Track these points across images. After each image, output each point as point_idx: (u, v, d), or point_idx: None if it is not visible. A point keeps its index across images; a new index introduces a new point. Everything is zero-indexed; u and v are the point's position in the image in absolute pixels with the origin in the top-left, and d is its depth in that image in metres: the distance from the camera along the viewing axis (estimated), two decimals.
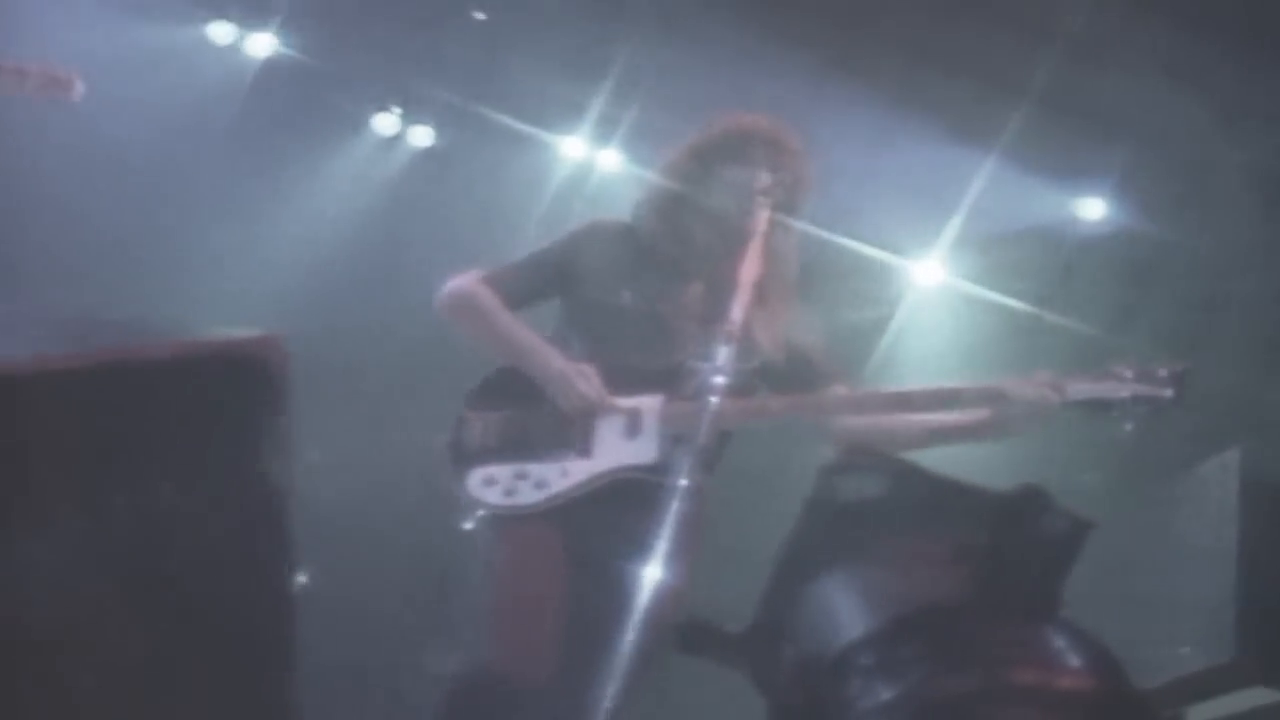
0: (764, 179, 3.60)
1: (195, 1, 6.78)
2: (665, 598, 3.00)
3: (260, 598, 1.54)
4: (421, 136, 7.27)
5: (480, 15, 6.47)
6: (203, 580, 1.50)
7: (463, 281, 3.76)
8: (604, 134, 6.85)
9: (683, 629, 2.91)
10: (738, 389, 3.34)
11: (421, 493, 4.19)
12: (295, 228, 6.87)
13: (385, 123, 7.21)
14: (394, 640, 6.11)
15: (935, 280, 6.94)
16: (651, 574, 2.93)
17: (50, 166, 5.89)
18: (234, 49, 6.89)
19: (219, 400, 1.53)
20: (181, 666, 1.49)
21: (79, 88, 3.46)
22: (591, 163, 7.02)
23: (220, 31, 6.87)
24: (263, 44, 6.88)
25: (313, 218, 6.96)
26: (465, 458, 3.61)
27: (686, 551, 3.10)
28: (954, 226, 6.46)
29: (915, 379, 5.47)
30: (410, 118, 7.21)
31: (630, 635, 2.88)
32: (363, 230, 7.05)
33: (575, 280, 3.77)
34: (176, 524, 1.49)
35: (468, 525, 3.54)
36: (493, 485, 3.55)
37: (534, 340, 3.69)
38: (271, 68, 6.88)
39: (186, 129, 6.59)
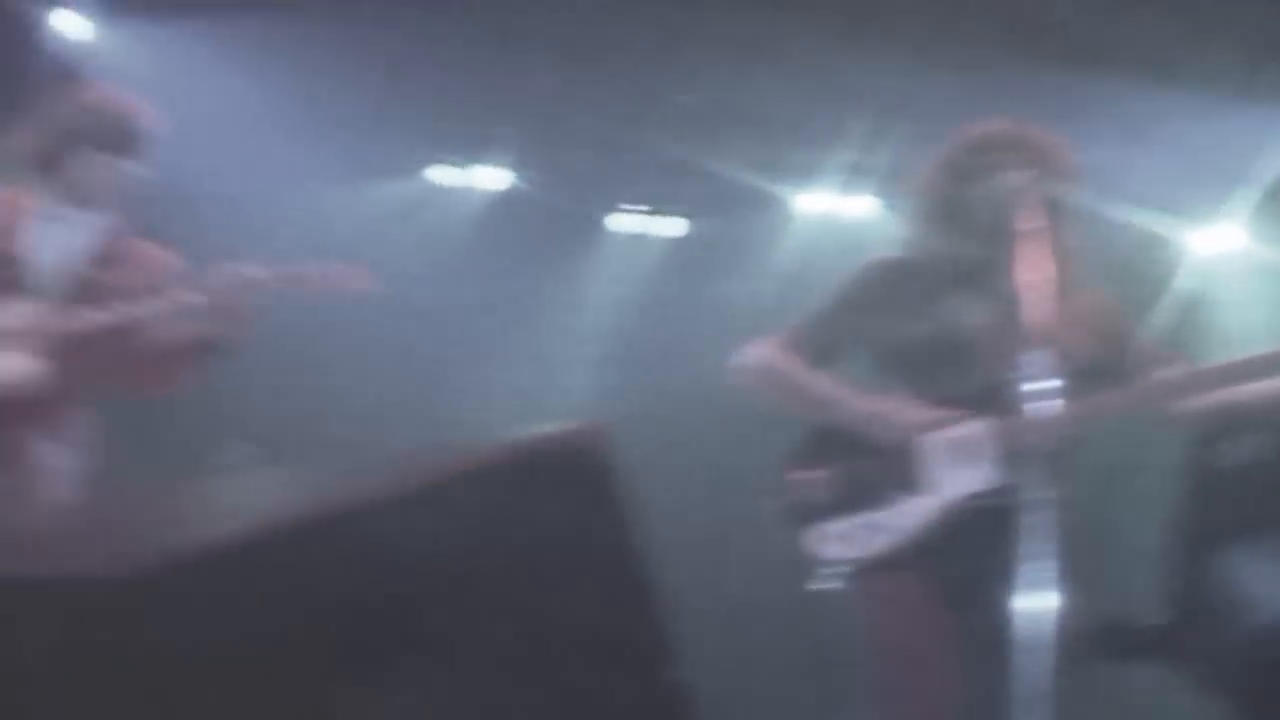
0: (1024, 178, 3.46)
1: (416, 150, 6.98)
2: (1059, 615, 2.84)
3: (652, 699, 1.39)
4: (671, 227, 7.36)
5: (687, 99, 6.40)
6: (597, 687, 1.36)
7: (756, 350, 3.64)
8: (847, 183, 6.77)
9: (1098, 635, 2.68)
10: (1061, 392, 3.12)
11: (761, 564, 4.09)
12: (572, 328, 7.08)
13: (628, 221, 7.33)
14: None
15: (1233, 246, 6.63)
16: (1033, 596, 2.78)
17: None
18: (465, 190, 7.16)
19: (560, 498, 1.40)
20: None
21: (367, 280, 3.47)
22: (836, 213, 6.96)
23: (445, 175, 7.15)
24: (492, 178, 7.11)
25: (583, 316, 7.14)
26: (804, 519, 3.48)
27: (1062, 563, 2.89)
28: (1242, 191, 6.11)
29: (1229, 352, 5.13)
30: (655, 211, 7.31)
31: (1034, 661, 2.69)
32: (635, 319, 7.15)
33: (870, 323, 3.64)
34: (556, 631, 1.35)
35: (821, 586, 3.40)
36: (841, 541, 3.41)
37: (841, 390, 3.56)
38: (505, 198, 7.13)
39: (442, 268, 6.81)
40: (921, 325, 3.57)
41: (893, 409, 3.45)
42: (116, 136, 3.42)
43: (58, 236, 3.38)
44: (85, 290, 3.36)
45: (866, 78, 5.86)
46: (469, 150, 7.00)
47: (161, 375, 3.48)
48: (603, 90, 6.42)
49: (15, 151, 3.44)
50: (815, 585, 3.41)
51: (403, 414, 6.29)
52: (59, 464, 3.38)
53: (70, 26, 6.51)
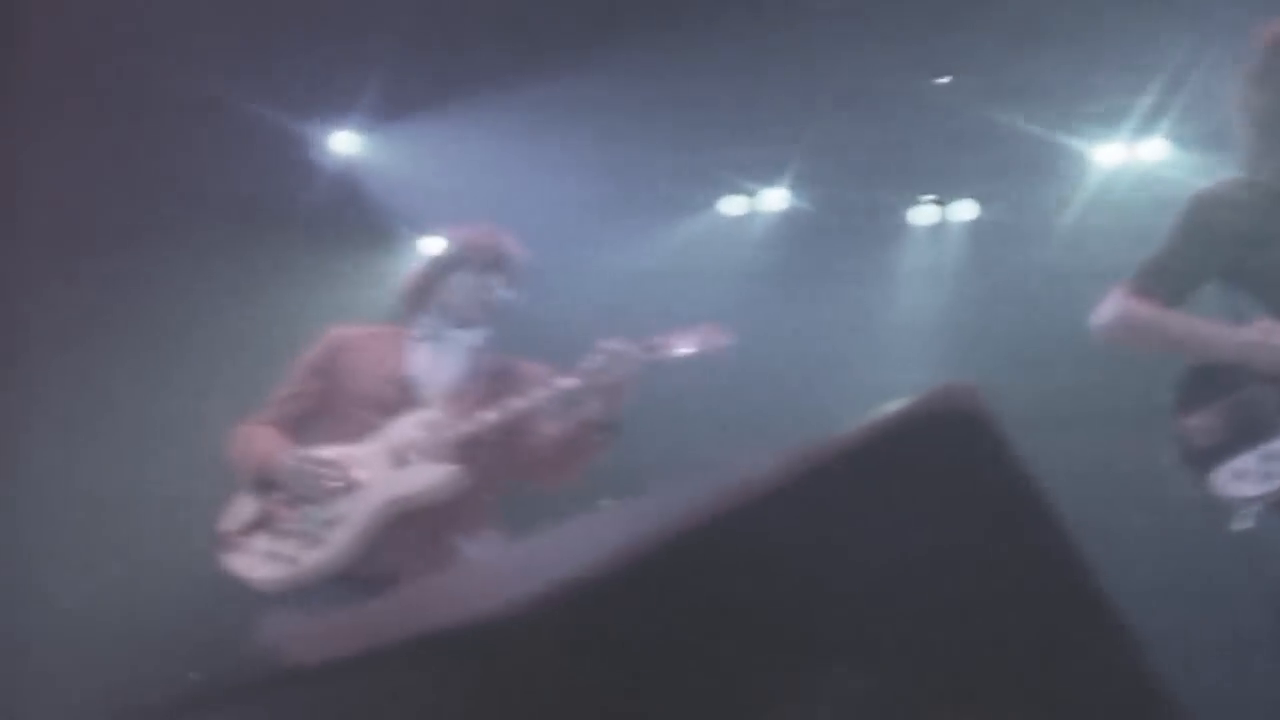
0: None
1: (704, 181, 7.01)
2: None
3: (1108, 676, 1.17)
4: (964, 211, 7.17)
5: (943, 80, 6.18)
6: (1043, 682, 1.16)
7: (1112, 303, 3.48)
8: (1137, 129, 6.43)
9: None
10: None
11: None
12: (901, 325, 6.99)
13: (925, 214, 7.20)
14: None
15: None
16: None
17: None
18: (748, 218, 7.22)
19: (943, 472, 1.21)
20: None
21: (725, 337, 3.68)
22: (1129, 165, 6.63)
23: (734, 205, 7.23)
24: (776, 199, 7.13)
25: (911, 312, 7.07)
26: (1202, 463, 3.26)
27: None
28: None
29: None
30: (945, 199, 7.15)
31: None
32: (964, 306, 7.03)
33: (1217, 254, 3.42)
34: (978, 622, 1.16)
35: (1238, 526, 3.12)
36: (1245, 477, 3.18)
37: (1212, 326, 3.36)
38: (797, 216, 7.13)
39: (758, 291, 6.85)
40: (1273, 244, 3.36)
41: (1271, 332, 3.24)
42: (485, 260, 3.72)
43: (444, 355, 3.67)
44: (474, 399, 3.61)
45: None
46: (757, 176, 7.02)
47: (559, 466, 3.67)
48: (868, 92, 6.29)
49: (402, 289, 3.82)
50: (1232, 526, 3.22)
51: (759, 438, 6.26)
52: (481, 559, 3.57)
53: (342, 143, 6.75)
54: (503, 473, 3.67)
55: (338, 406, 3.66)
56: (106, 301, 5.92)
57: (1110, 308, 3.48)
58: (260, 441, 3.62)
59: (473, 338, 3.73)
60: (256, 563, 3.50)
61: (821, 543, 1.11)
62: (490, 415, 3.52)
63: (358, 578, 3.43)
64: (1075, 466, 5.79)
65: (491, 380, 3.66)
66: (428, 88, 6.18)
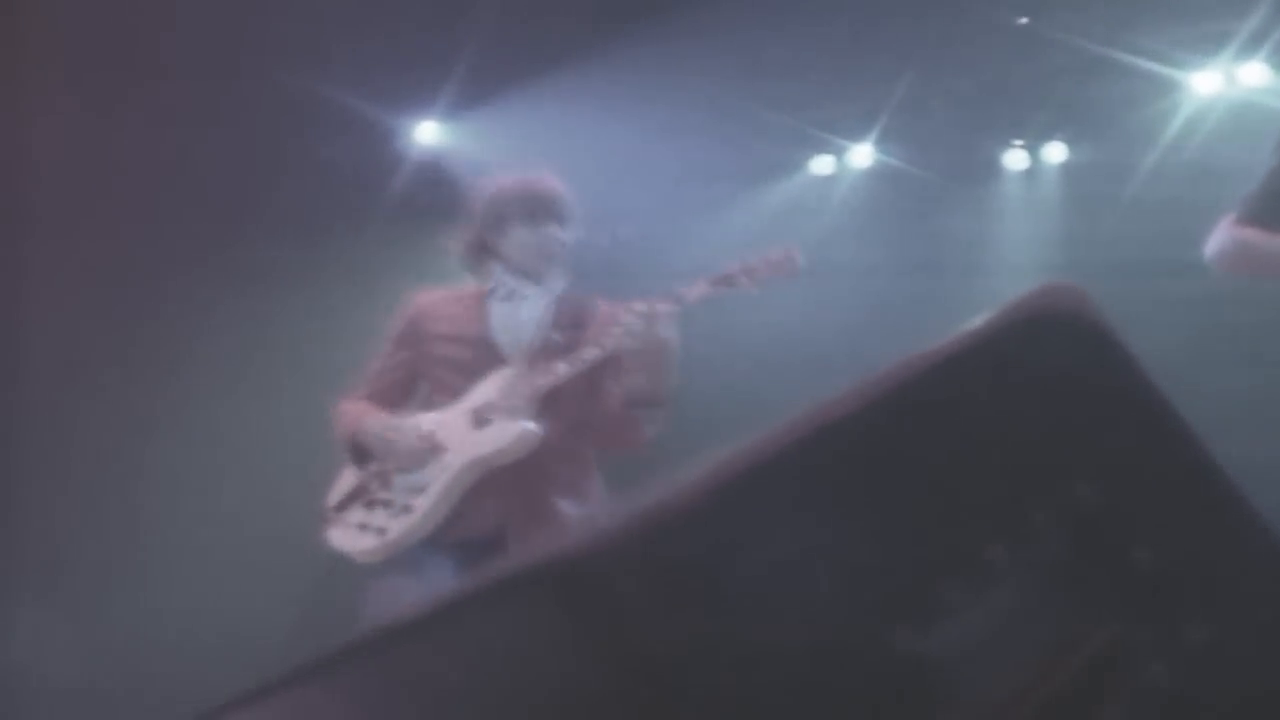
0: None
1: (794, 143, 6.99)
2: None
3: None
4: (1056, 153, 7.12)
5: (1023, 20, 6.06)
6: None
7: (1219, 234, 3.45)
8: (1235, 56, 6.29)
9: None
10: None
11: None
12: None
13: (1016, 159, 7.15)
14: None
15: None
16: None
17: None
18: (835, 177, 7.28)
19: (1054, 377, 1.18)
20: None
21: (798, 260, 3.53)
22: (1225, 94, 6.46)
23: (822, 164, 7.30)
24: (863, 155, 7.16)
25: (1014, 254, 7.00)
26: None
27: None
28: None
29: None
30: (1034, 144, 7.10)
31: None
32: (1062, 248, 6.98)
33: None
34: (1116, 533, 1.13)
35: None
36: None
37: None
38: (884, 171, 7.15)
39: (855, 247, 6.90)
40: None
41: None
42: (538, 208, 3.62)
43: (521, 310, 3.59)
44: (551, 353, 3.52)
45: None
46: (844, 133, 7.05)
47: (615, 435, 3.57)
48: (951, 39, 6.21)
49: (456, 251, 3.75)
50: None
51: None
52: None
53: (426, 134, 6.79)
54: (583, 424, 3.58)
55: (428, 372, 3.67)
56: (205, 290, 6.01)
57: (1219, 237, 3.44)
58: (353, 416, 3.64)
59: (548, 289, 3.65)
60: (351, 535, 3.54)
61: (918, 462, 1.09)
62: (564, 366, 3.44)
63: (449, 541, 3.47)
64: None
65: (570, 330, 3.58)
66: (508, 70, 6.20)
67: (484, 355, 3.57)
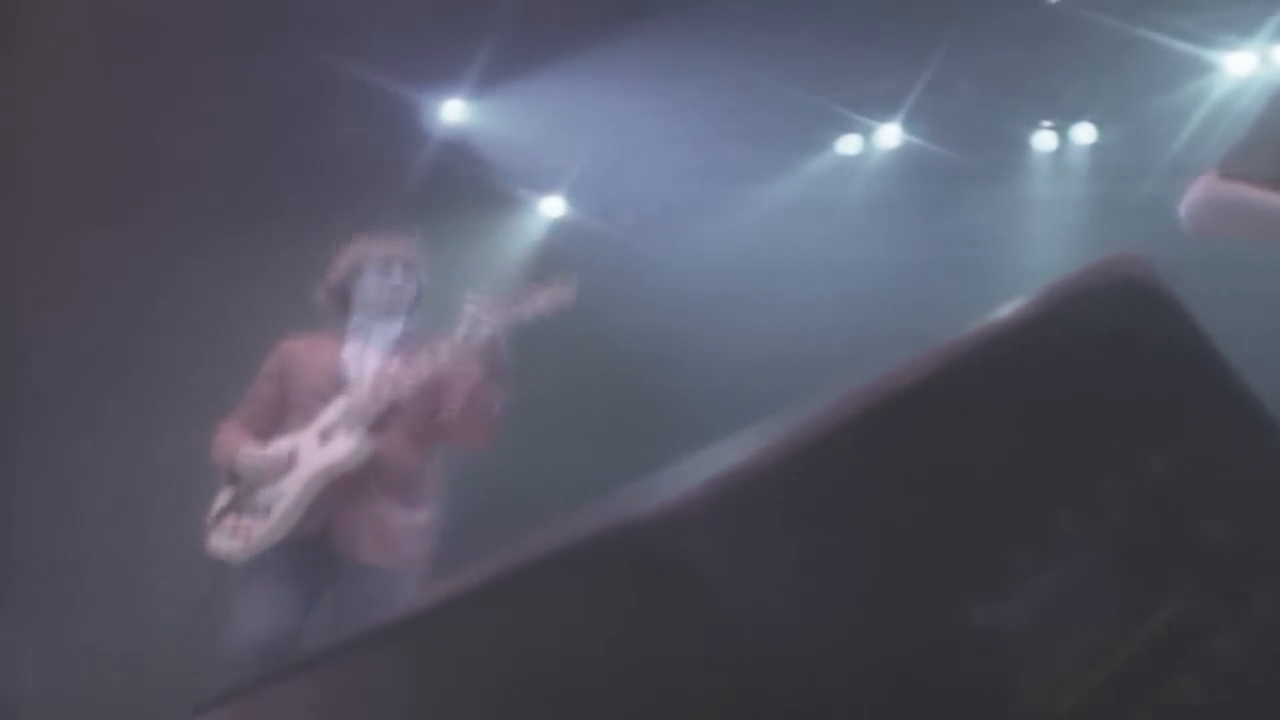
0: None
1: (821, 121, 6.99)
2: None
3: None
4: (1085, 134, 7.04)
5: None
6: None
7: (1195, 188, 3.08)
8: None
9: None
10: None
11: None
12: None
13: (1045, 139, 7.09)
14: None
15: None
16: None
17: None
18: (862, 156, 7.23)
19: (1122, 345, 1.16)
20: None
21: (571, 292, 4.01)
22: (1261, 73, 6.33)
23: (849, 143, 7.23)
24: (891, 135, 7.10)
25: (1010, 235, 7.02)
26: None
27: None
28: None
29: None
30: (1063, 125, 7.03)
31: None
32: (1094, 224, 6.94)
33: None
34: (1185, 503, 1.12)
35: None
36: None
37: None
38: (912, 152, 7.08)
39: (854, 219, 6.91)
40: None
41: None
42: (389, 260, 4.29)
43: (370, 346, 4.26)
44: (391, 379, 4.14)
45: None
46: (872, 113, 6.98)
47: (467, 424, 4.13)
48: (980, 17, 6.17)
49: (320, 298, 4.37)
50: None
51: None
52: (416, 525, 4.17)
53: (451, 112, 6.80)
54: (424, 437, 4.18)
55: (295, 402, 4.27)
56: (236, 263, 6.02)
57: (1198, 193, 3.08)
58: (227, 442, 4.27)
59: (393, 327, 4.28)
60: (225, 540, 4.17)
61: (987, 431, 1.08)
62: (393, 389, 4.09)
63: (297, 540, 4.07)
64: None
65: (406, 361, 4.16)
66: (535, 49, 6.19)
67: (336, 384, 4.21)
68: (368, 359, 4.23)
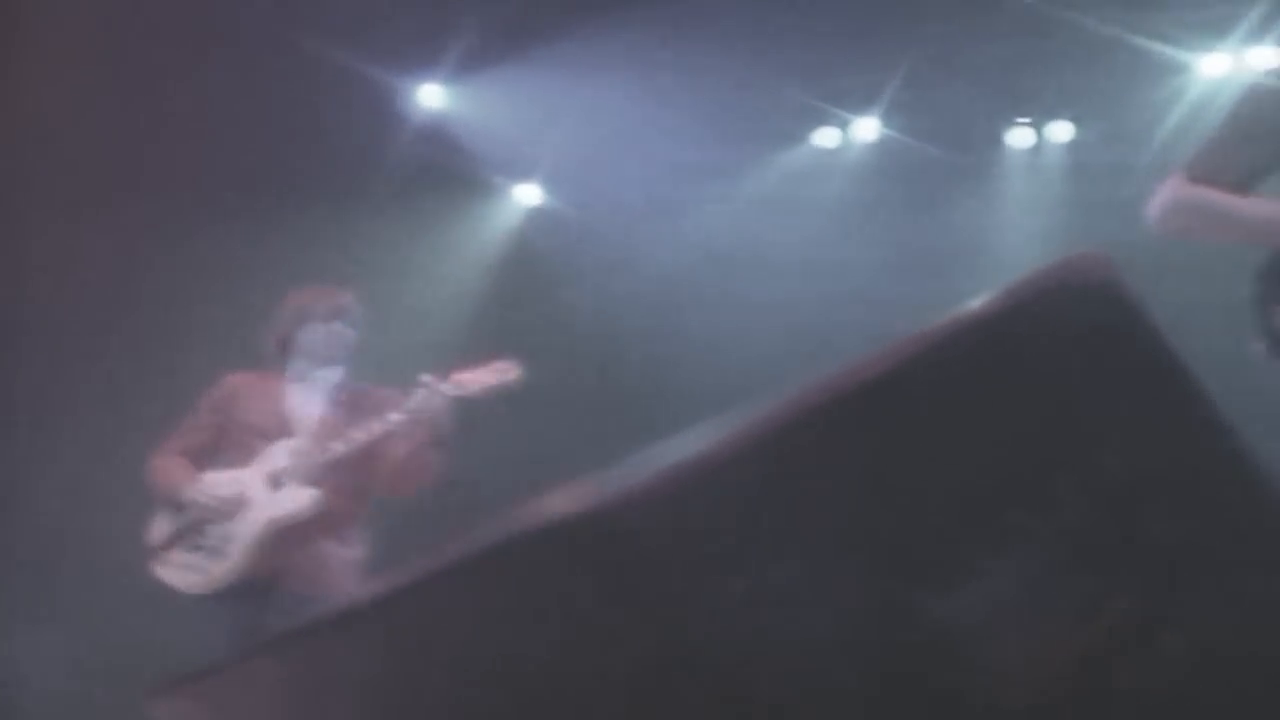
0: None
1: (799, 114, 7.02)
2: None
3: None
4: (1062, 132, 7.07)
5: None
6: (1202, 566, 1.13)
7: (1163, 190, 3.13)
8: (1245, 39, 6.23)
9: None
10: None
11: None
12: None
13: (1021, 136, 7.11)
14: None
15: None
16: None
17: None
18: (841, 149, 7.23)
19: (1078, 347, 1.17)
20: None
21: (516, 372, 4.33)
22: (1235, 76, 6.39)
23: (827, 136, 7.23)
24: (869, 129, 7.12)
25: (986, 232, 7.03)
26: None
27: None
28: None
29: None
30: (1040, 122, 7.05)
31: None
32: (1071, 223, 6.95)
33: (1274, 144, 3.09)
34: (1137, 501, 1.13)
35: None
36: None
37: (1273, 205, 3.04)
38: (890, 146, 7.10)
39: (831, 213, 6.93)
40: None
41: None
42: (326, 311, 4.48)
43: (311, 392, 4.47)
44: (335, 427, 4.37)
45: None
46: (849, 106, 7.01)
47: (408, 479, 4.39)
48: (959, 13, 6.20)
49: (266, 345, 4.54)
50: None
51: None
52: (349, 560, 4.41)
53: (428, 97, 6.79)
54: (365, 487, 4.41)
55: (234, 436, 4.46)
56: (212, 250, 6.01)
57: (1158, 196, 3.11)
58: (170, 470, 4.42)
59: (332, 375, 4.50)
60: (179, 573, 4.34)
61: (945, 426, 1.09)
62: (345, 444, 4.29)
63: (248, 579, 4.27)
64: None
65: (349, 410, 4.41)
66: (513, 35, 6.18)
67: (281, 425, 4.41)
68: (311, 404, 4.46)
